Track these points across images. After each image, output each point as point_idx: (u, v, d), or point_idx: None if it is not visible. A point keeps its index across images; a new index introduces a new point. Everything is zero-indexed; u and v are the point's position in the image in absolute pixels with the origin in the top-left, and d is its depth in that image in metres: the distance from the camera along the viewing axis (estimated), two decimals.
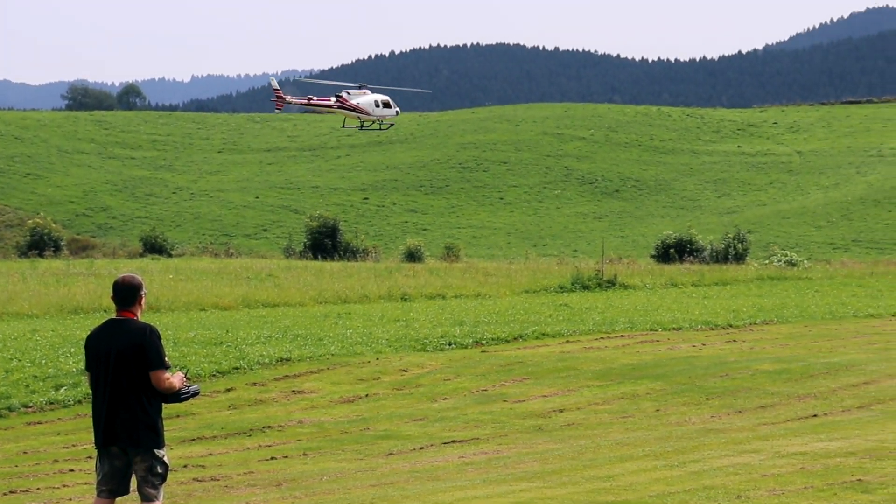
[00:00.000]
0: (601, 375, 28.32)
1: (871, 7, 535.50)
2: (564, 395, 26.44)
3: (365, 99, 75.54)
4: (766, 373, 28.19)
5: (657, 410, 24.71)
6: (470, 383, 27.79)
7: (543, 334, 35.40)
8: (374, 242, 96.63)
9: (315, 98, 76.28)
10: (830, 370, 28.40)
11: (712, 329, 37.74)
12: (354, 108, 75.55)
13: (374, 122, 76.62)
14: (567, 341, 34.34)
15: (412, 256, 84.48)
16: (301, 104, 76.55)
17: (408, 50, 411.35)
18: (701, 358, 30.60)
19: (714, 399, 25.59)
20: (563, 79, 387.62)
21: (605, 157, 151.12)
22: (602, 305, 46.37)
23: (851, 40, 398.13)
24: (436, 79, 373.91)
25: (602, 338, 35.08)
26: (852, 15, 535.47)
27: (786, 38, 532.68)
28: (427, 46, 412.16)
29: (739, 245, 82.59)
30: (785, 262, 76.30)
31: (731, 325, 38.60)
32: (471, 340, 33.69)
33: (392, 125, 78.99)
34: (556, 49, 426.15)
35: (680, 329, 37.47)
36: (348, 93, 75.44)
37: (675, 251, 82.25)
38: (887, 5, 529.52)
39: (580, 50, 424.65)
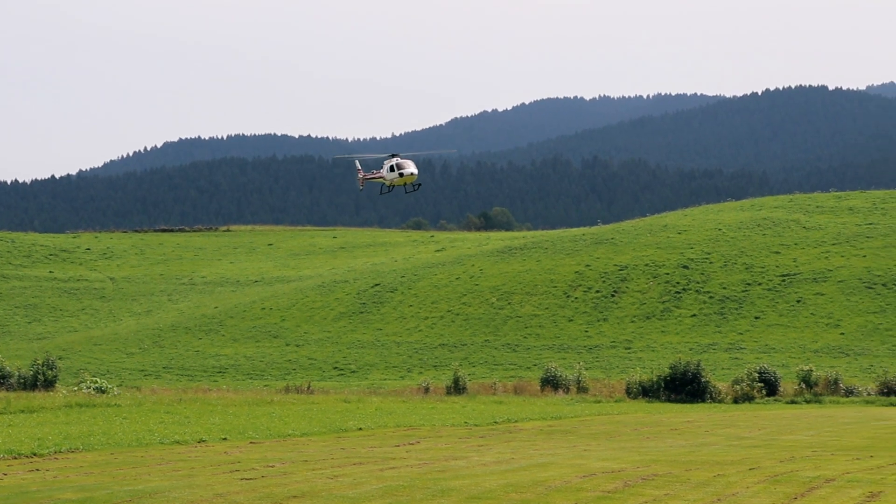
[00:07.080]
0: None
1: (183, 138, 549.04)
2: None
3: (385, 167, 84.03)
4: (69, 502, 27.69)
5: None
6: None
7: None
8: None
9: (374, 171, 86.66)
10: (134, 498, 28.27)
11: (15, 458, 36.70)
12: (381, 177, 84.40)
13: (391, 186, 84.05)
14: None
15: None
16: (369, 178, 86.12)
17: None
18: (2, 489, 29.61)
19: None
20: None
21: None
22: None
23: (165, 169, 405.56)
24: None
25: None
26: (166, 144, 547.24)
27: (100, 165, 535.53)
28: None
29: (49, 371, 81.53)
30: (94, 388, 75.90)
31: (35, 454, 37.69)
32: None
33: (405, 185, 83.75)
34: None
35: None
36: (383, 165, 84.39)
37: None
38: (199, 136, 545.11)
39: None
